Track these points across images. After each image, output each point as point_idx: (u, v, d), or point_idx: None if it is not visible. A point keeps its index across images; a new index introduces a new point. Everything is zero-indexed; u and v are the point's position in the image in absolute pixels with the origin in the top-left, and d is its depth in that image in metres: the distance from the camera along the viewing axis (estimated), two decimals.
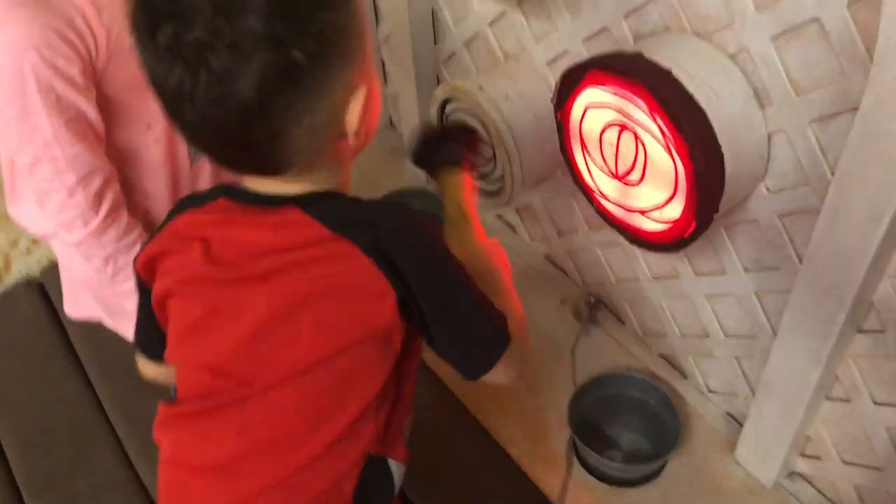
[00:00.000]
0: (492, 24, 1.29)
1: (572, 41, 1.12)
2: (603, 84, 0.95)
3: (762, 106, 0.91)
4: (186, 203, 0.76)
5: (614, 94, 0.94)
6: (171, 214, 0.76)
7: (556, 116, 1.06)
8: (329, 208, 0.69)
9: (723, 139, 0.88)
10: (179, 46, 0.57)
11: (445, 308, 0.71)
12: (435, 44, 1.49)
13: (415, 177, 1.72)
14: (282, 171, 0.66)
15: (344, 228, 0.67)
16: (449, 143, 1.00)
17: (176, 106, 0.61)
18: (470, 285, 0.73)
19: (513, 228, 1.55)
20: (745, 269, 1.06)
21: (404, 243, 0.68)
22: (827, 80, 0.83)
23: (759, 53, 0.88)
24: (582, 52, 1.12)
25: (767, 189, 0.96)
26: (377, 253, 0.66)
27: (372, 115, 0.69)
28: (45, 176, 0.95)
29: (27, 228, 1.12)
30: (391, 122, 1.83)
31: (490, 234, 1.48)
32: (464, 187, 0.94)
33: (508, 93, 1.22)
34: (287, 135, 0.62)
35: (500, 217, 1.57)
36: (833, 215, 0.84)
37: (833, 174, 0.85)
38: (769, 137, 0.92)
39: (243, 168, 0.69)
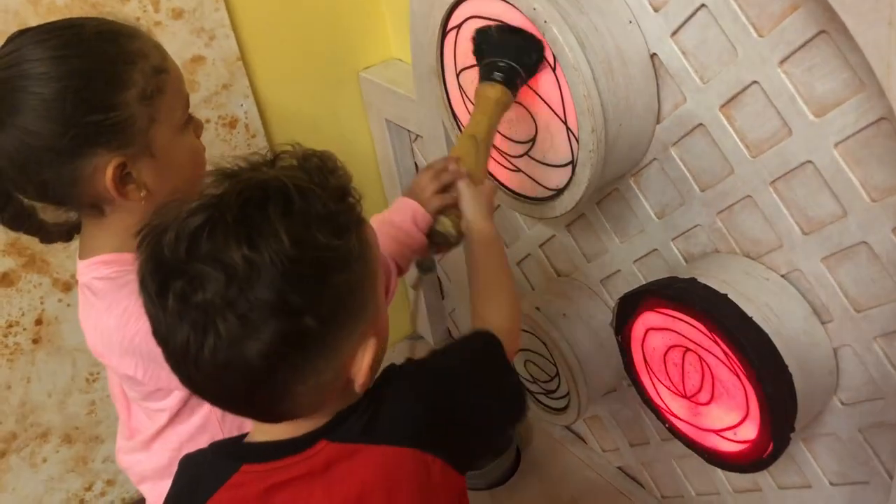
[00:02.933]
0: (542, 245, 1.35)
1: (624, 262, 1.16)
2: (661, 310, 0.97)
3: (823, 322, 0.91)
4: (197, 478, 0.70)
5: (674, 318, 0.96)
6: (182, 489, 0.71)
7: (617, 340, 1.08)
8: (351, 427, 0.66)
9: (788, 358, 0.88)
10: (188, 307, 0.57)
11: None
12: None
13: None
14: (287, 420, 0.65)
15: (374, 435, 0.65)
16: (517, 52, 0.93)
17: (180, 363, 0.60)
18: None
19: (583, 440, 1.53)
20: (832, 483, 1.02)
21: (427, 418, 0.68)
22: (885, 297, 0.84)
23: (811, 273, 0.90)
24: (634, 272, 1.16)
25: (842, 402, 0.95)
26: (411, 440, 0.66)
27: (380, 362, 0.68)
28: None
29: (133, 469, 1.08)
30: (451, 335, 1.87)
31: (560, 447, 1.47)
32: (497, 113, 0.93)
33: (566, 311, 1.25)
34: (290, 393, 0.61)
35: (568, 428, 1.55)
36: None
37: None
38: (835, 352, 0.92)
39: (244, 415, 0.68)
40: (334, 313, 0.60)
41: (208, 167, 0.65)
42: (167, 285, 0.57)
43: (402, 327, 1.91)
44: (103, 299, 0.81)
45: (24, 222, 0.84)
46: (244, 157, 0.64)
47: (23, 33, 0.76)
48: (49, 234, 0.87)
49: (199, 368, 0.58)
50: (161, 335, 0.60)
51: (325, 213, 0.59)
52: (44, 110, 0.72)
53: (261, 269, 0.56)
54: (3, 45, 0.76)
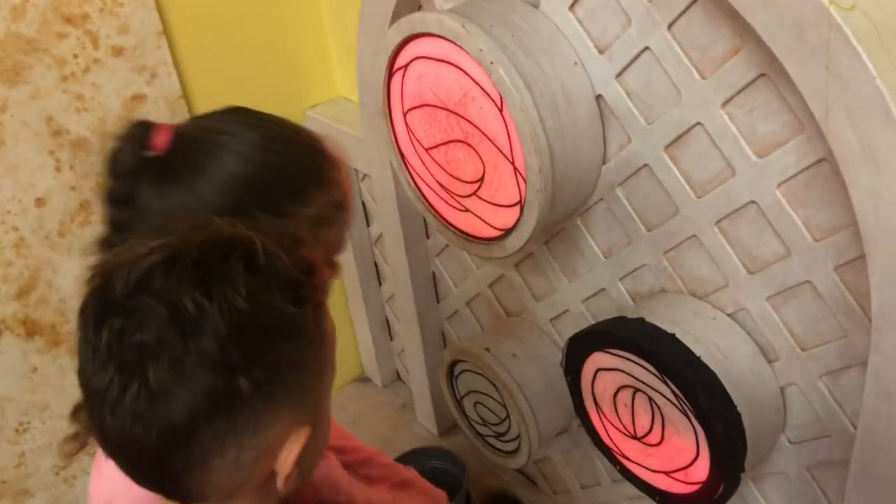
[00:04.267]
0: (492, 285, 1.34)
1: (572, 302, 1.16)
2: (609, 350, 0.96)
3: (770, 361, 0.92)
4: None
5: (623, 358, 0.96)
6: None
7: (567, 380, 1.07)
8: None
9: (737, 397, 0.88)
10: (121, 346, 0.53)
11: None
12: (438, 302, 1.53)
13: (427, 432, 1.70)
14: (194, 501, 0.59)
15: None
16: None
17: (95, 408, 0.55)
18: None
19: (533, 482, 1.51)
20: None
21: None
22: (829, 336, 0.85)
23: (757, 312, 0.90)
24: (583, 311, 1.15)
25: (790, 441, 0.95)
26: None
27: (311, 461, 0.64)
28: None
29: None
30: (399, 377, 1.84)
31: (511, 490, 1.44)
32: None
33: (516, 352, 1.24)
34: (206, 466, 0.55)
35: (518, 471, 1.53)
36: (864, 472, 0.82)
37: (854, 426, 0.85)
38: (782, 391, 0.92)
39: (151, 487, 0.60)
40: (271, 382, 0.55)
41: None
42: (105, 321, 0.54)
43: (350, 369, 1.88)
44: None
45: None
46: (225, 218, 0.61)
47: (243, 111, 0.77)
48: None
49: (116, 416, 0.53)
50: (85, 375, 0.55)
51: (287, 279, 0.57)
52: (221, 184, 0.70)
53: (208, 316, 0.53)
54: (221, 112, 0.77)
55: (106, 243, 0.73)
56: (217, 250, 0.56)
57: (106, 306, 0.54)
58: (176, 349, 0.52)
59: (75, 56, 1.21)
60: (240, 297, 0.53)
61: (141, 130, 0.71)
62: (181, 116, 1.34)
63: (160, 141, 0.71)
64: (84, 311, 0.56)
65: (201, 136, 0.72)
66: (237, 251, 0.56)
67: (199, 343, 0.52)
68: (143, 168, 0.70)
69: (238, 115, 0.76)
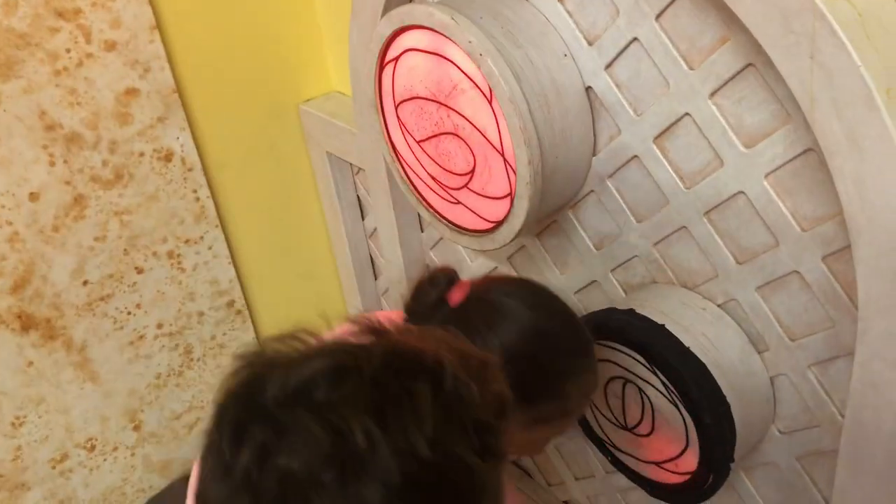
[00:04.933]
0: None
1: (564, 293, 1.16)
2: (600, 341, 0.97)
3: (759, 351, 0.92)
4: None
5: (613, 349, 0.96)
6: None
7: None
8: None
9: (726, 387, 0.89)
10: (263, 469, 0.41)
11: None
12: None
13: None
14: None
15: None
16: None
17: None
18: None
19: (528, 474, 1.51)
20: None
21: None
22: (818, 326, 0.85)
23: (747, 303, 0.90)
24: (575, 303, 1.15)
25: (780, 431, 0.95)
26: None
27: None
28: None
29: None
30: None
31: (506, 479, 1.44)
32: None
33: None
34: None
35: (513, 463, 1.54)
36: (853, 461, 0.82)
37: (842, 416, 0.85)
38: (772, 381, 0.93)
39: None
40: None
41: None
42: (247, 431, 0.42)
43: None
44: None
45: None
46: (395, 323, 0.53)
47: (538, 293, 0.86)
48: None
49: None
50: (207, 495, 0.44)
51: (476, 421, 0.46)
52: (515, 344, 0.78)
53: (380, 455, 0.41)
54: (517, 286, 0.87)
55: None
56: (402, 366, 0.45)
57: (251, 412, 0.43)
58: (329, 491, 0.40)
59: (68, 50, 1.21)
60: (422, 438, 0.42)
61: (446, 281, 0.83)
62: (175, 111, 1.34)
63: (455, 297, 0.82)
64: (222, 414, 0.45)
65: (477, 313, 0.80)
66: (425, 374, 0.45)
67: (359, 490, 0.40)
68: (437, 312, 0.81)
69: (517, 309, 0.81)
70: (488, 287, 0.84)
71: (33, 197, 1.26)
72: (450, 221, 1.09)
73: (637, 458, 1.01)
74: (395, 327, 0.51)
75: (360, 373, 0.43)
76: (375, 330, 0.50)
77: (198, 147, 1.40)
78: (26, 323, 1.32)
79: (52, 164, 1.26)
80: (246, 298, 1.60)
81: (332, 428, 0.41)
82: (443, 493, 0.43)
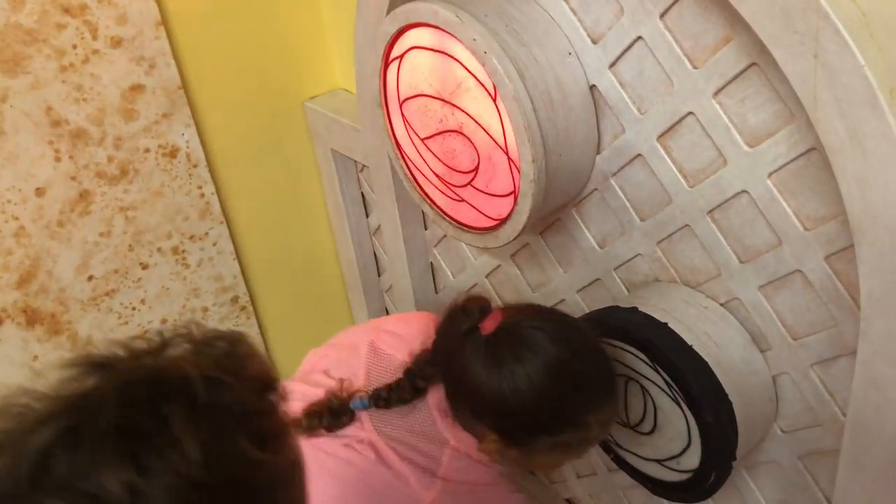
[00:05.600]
0: (489, 275, 1.34)
1: (567, 292, 1.16)
2: (602, 339, 0.97)
3: (762, 350, 0.92)
4: None
5: (615, 347, 0.96)
6: None
7: None
8: None
9: (728, 386, 0.89)
10: None
11: None
12: (436, 293, 1.54)
13: None
14: None
15: None
16: None
17: None
18: None
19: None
20: None
21: None
22: (820, 326, 0.85)
23: (749, 302, 0.90)
24: (578, 301, 1.16)
25: (782, 430, 0.95)
26: None
27: None
28: None
29: None
30: None
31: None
32: None
33: None
34: None
35: None
36: (854, 460, 0.82)
37: (844, 415, 0.85)
38: (774, 380, 0.93)
39: None
40: None
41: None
42: None
43: None
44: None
45: (432, 370, 0.93)
46: (123, 341, 0.47)
47: (567, 330, 0.87)
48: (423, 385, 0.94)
49: None
50: None
51: (244, 414, 0.44)
52: (507, 395, 0.82)
53: (152, 500, 0.38)
54: (547, 319, 0.87)
55: (423, 360, 0.93)
56: (140, 401, 0.41)
57: None
58: None
59: (74, 46, 1.22)
60: (191, 462, 0.39)
61: (479, 310, 0.86)
62: (181, 108, 1.35)
63: (488, 327, 0.84)
64: None
65: (508, 346, 0.83)
66: (169, 396, 0.41)
67: None
68: (469, 340, 0.84)
69: (547, 344, 0.83)
70: (519, 319, 0.85)
71: (39, 192, 1.27)
72: (453, 219, 1.10)
73: (638, 456, 1.01)
74: (122, 350, 0.46)
75: (96, 424, 0.39)
76: (99, 365, 0.44)
77: (203, 143, 1.41)
78: (32, 317, 1.33)
79: (58, 159, 1.26)
80: (250, 294, 1.61)
81: (89, 500, 0.37)
82: (241, 497, 0.41)
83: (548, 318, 0.88)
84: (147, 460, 0.38)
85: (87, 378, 0.42)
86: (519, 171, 0.92)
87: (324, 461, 0.93)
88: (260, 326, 1.65)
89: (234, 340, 0.49)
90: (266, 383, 0.47)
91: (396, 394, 0.94)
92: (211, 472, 0.40)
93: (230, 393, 0.43)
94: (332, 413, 0.95)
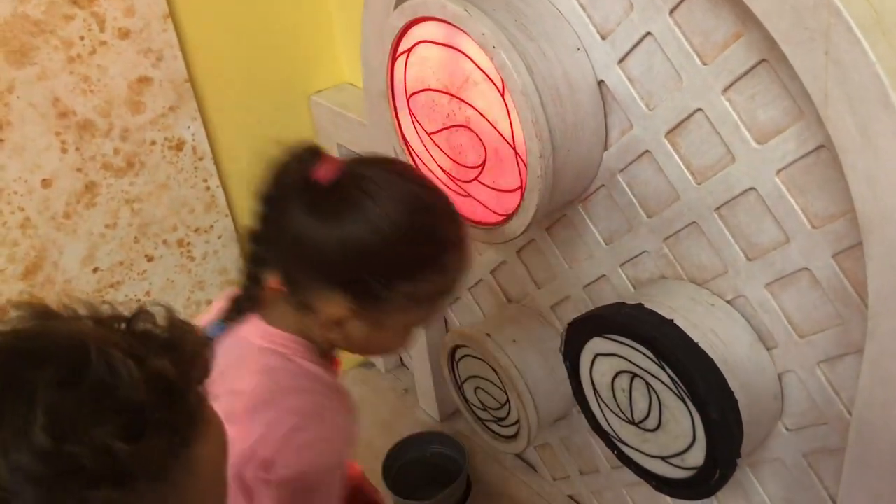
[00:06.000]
0: (494, 271, 1.34)
1: (573, 288, 1.16)
2: (608, 336, 0.97)
3: (768, 348, 0.92)
4: None
5: (621, 343, 0.96)
6: None
7: (565, 365, 1.07)
8: None
9: (734, 384, 0.89)
10: None
11: None
12: None
13: (428, 417, 1.71)
14: None
15: None
16: None
17: None
18: None
19: (533, 468, 1.52)
20: None
21: None
22: (827, 324, 0.85)
23: (756, 299, 0.90)
24: (583, 298, 1.16)
25: (787, 428, 0.95)
26: None
27: None
28: None
29: None
30: (401, 362, 1.85)
31: (510, 476, 1.46)
32: None
33: (516, 337, 1.24)
34: None
35: (519, 457, 1.54)
36: (860, 458, 0.82)
37: (850, 413, 0.85)
38: (780, 378, 0.93)
39: None
40: None
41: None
42: None
43: (353, 355, 1.89)
44: (264, 384, 0.79)
45: (262, 263, 0.83)
46: (95, 304, 0.49)
47: (405, 175, 0.80)
48: (254, 279, 0.84)
49: None
50: None
51: (124, 401, 0.43)
52: (354, 245, 0.75)
53: None
54: (384, 166, 0.81)
55: (252, 234, 0.81)
56: (20, 359, 0.42)
57: None
58: None
59: (82, 38, 1.22)
60: (37, 425, 0.40)
61: (311, 156, 0.76)
62: (187, 101, 1.35)
63: (325, 173, 0.75)
64: None
65: (357, 188, 0.75)
66: (53, 361, 0.42)
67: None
68: (301, 189, 0.75)
69: (397, 181, 0.78)
70: (357, 162, 0.80)
71: (45, 183, 1.27)
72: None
73: (643, 453, 1.01)
74: (84, 309, 0.48)
75: None
76: (38, 313, 0.46)
77: (209, 136, 1.41)
78: None
79: (65, 150, 1.26)
80: None
81: None
82: (81, 480, 0.41)
83: (383, 158, 0.83)
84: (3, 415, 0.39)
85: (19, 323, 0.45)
86: (526, 167, 0.92)
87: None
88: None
89: (177, 331, 0.49)
90: (168, 384, 0.45)
91: (246, 296, 0.84)
92: (55, 442, 0.40)
93: (123, 377, 0.43)
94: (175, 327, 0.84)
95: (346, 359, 1.86)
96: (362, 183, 0.75)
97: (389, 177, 0.77)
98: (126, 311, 0.50)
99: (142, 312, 0.50)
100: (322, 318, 0.79)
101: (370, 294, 0.76)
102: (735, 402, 0.88)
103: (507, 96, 0.90)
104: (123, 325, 0.48)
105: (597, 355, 1.01)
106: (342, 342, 0.83)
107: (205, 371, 0.50)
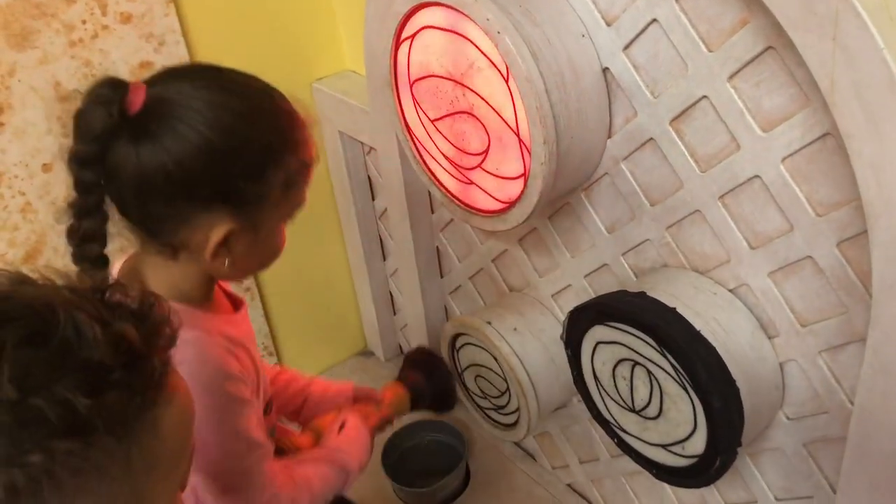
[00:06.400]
0: (495, 260, 1.34)
1: (575, 277, 1.16)
2: (610, 324, 0.97)
3: (770, 336, 0.92)
4: None
5: (623, 331, 0.96)
6: None
7: (567, 353, 1.07)
8: None
9: (736, 372, 0.89)
10: None
11: None
12: (441, 277, 1.54)
13: None
14: None
15: None
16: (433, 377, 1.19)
17: None
18: None
19: (533, 456, 1.52)
20: (777, 499, 1.02)
21: None
22: (829, 312, 0.85)
23: (759, 288, 0.90)
24: (585, 286, 1.16)
25: (787, 417, 0.95)
26: None
27: None
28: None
29: None
30: (401, 351, 1.85)
31: (510, 464, 1.46)
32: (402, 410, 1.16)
33: (517, 326, 1.24)
34: None
35: (518, 445, 1.54)
36: (861, 447, 0.82)
37: (852, 403, 0.85)
38: (781, 367, 0.93)
39: None
40: (36, 490, 0.44)
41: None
42: None
43: (353, 343, 1.89)
44: None
45: (93, 239, 0.76)
46: (71, 274, 0.52)
47: (211, 72, 0.76)
48: (94, 260, 0.76)
49: None
50: None
51: (87, 360, 0.46)
52: (196, 147, 0.71)
53: None
54: (189, 71, 0.77)
55: (76, 207, 0.74)
56: None
57: None
58: None
59: (84, 22, 1.21)
60: (3, 377, 0.43)
61: (113, 91, 0.70)
62: None
63: (135, 102, 0.70)
64: None
65: (175, 99, 0.71)
66: (18, 321, 0.46)
67: None
68: (117, 128, 0.70)
69: (208, 77, 0.75)
70: (165, 82, 0.73)
71: (46, 168, 1.26)
72: (462, 202, 1.09)
73: (643, 441, 1.02)
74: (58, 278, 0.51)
75: None
76: (16, 280, 0.50)
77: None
78: None
79: (66, 135, 1.25)
80: (255, 276, 1.61)
81: None
82: (44, 431, 0.44)
83: (190, 69, 0.79)
84: None
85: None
86: (530, 154, 0.92)
87: None
88: (264, 309, 1.65)
89: (146, 300, 0.53)
90: (128, 346, 0.49)
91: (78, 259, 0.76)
92: (20, 393, 0.43)
93: (87, 339, 0.46)
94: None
95: (346, 348, 1.87)
96: (168, 108, 0.71)
97: (195, 92, 0.72)
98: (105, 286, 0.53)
99: (116, 285, 0.53)
100: (206, 248, 0.75)
101: (244, 196, 0.74)
102: (736, 390, 0.88)
103: (511, 83, 0.89)
104: (98, 296, 0.51)
105: (598, 343, 1.01)
106: (227, 269, 0.79)
107: (170, 341, 0.53)
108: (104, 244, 0.76)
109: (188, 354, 0.76)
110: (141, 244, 0.80)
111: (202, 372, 0.79)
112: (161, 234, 0.77)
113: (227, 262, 0.78)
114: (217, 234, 0.75)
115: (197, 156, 0.71)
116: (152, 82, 0.73)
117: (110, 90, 0.70)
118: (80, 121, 0.71)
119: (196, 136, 0.70)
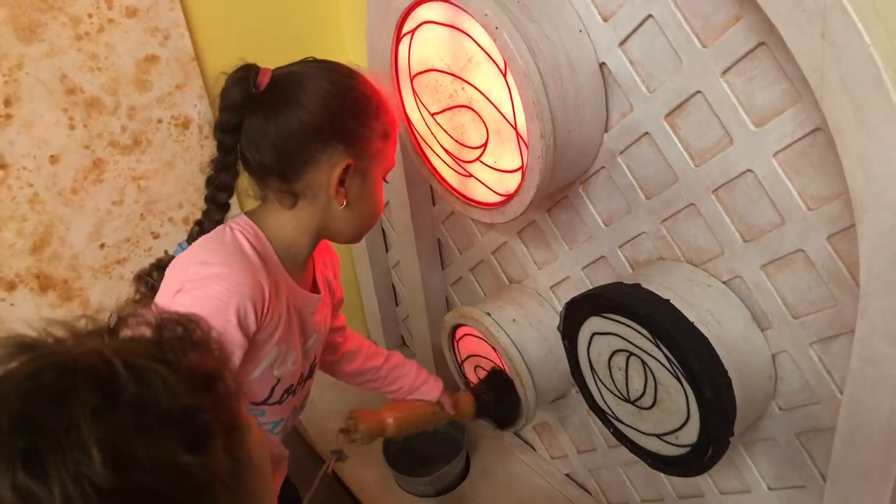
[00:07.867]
0: (495, 252, 1.36)
1: (572, 269, 1.18)
2: (606, 315, 0.98)
3: (762, 328, 0.94)
4: None
5: (618, 322, 0.97)
6: None
7: (564, 343, 1.09)
8: None
9: (728, 363, 0.90)
10: None
11: None
12: (442, 269, 1.55)
13: None
14: None
15: None
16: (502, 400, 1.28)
17: None
18: None
19: (532, 446, 1.54)
20: (770, 488, 1.04)
21: None
22: (821, 304, 0.86)
23: (751, 280, 0.92)
24: (583, 278, 1.17)
25: (779, 407, 0.97)
26: None
27: None
28: None
29: None
30: (403, 342, 1.87)
31: (509, 454, 1.47)
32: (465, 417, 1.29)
33: (516, 317, 1.26)
34: None
35: (517, 435, 1.56)
36: (850, 437, 0.84)
37: (841, 393, 0.86)
38: (774, 358, 0.94)
39: None
40: None
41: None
42: None
43: None
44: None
45: (224, 189, 0.93)
46: (70, 321, 0.42)
47: (318, 60, 0.93)
48: (221, 205, 0.95)
49: None
50: None
51: (172, 411, 0.38)
52: (325, 99, 0.87)
53: None
54: (301, 61, 0.93)
55: (216, 163, 0.92)
56: (48, 393, 0.36)
57: None
58: None
59: (90, 15, 1.23)
60: (95, 465, 0.35)
61: (247, 72, 0.87)
62: (194, 79, 1.36)
63: (263, 80, 0.87)
64: None
65: (295, 71, 0.89)
66: (82, 387, 0.37)
67: None
68: (250, 101, 0.87)
69: (315, 60, 0.93)
70: (284, 68, 0.91)
71: (53, 160, 1.28)
72: (461, 194, 1.11)
73: (638, 430, 1.03)
74: (63, 331, 0.41)
75: None
76: (27, 347, 0.39)
77: (215, 115, 1.42)
78: (45, 283, 1.35)
79: (73, 127, 1.28)
80: None
81: None
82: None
83: (302, 61, 0.93)
84: (45, 461, 0.34)
85: (8, 360, 0.39)
86: (527, 147, 0.93)
87: None
88: None
89: (189, 323, 0.45)
90: (210, 376, 0.42)
91: (206, 218, 0.94)
92: (121, 477, 0.35)
93: (161, 387, 0.38)
94: (160, 268, 0.91)
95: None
96: (292, 77, 0.88)
97: (307, 66, 0.91)
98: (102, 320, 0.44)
99: (123, 317, 0.44)
100: (329, 186, 0.89)
101: (356, 132, 0.88)
102: (729, 380, 0.90)
103: (509, 77, 0.91)
104: (149, 334, 0.43)
105: (594, 334, 1.03)
106: (340, 217, 0.92)
107: (221, 350, 0.46)
108: (231, 194, 0.94)
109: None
110: (263, 197, 0.94)
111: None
112: (291, 176, 0.89)
113: (343, 204, 0.90)
114: (338, 168, 0.88)
115: (320, 103, 0.86)
116: (275, 70, 0.90)
117: (244, 72, 0.87)
118: (222, 97, 0.88)
119: (318, 89, 0.87)
